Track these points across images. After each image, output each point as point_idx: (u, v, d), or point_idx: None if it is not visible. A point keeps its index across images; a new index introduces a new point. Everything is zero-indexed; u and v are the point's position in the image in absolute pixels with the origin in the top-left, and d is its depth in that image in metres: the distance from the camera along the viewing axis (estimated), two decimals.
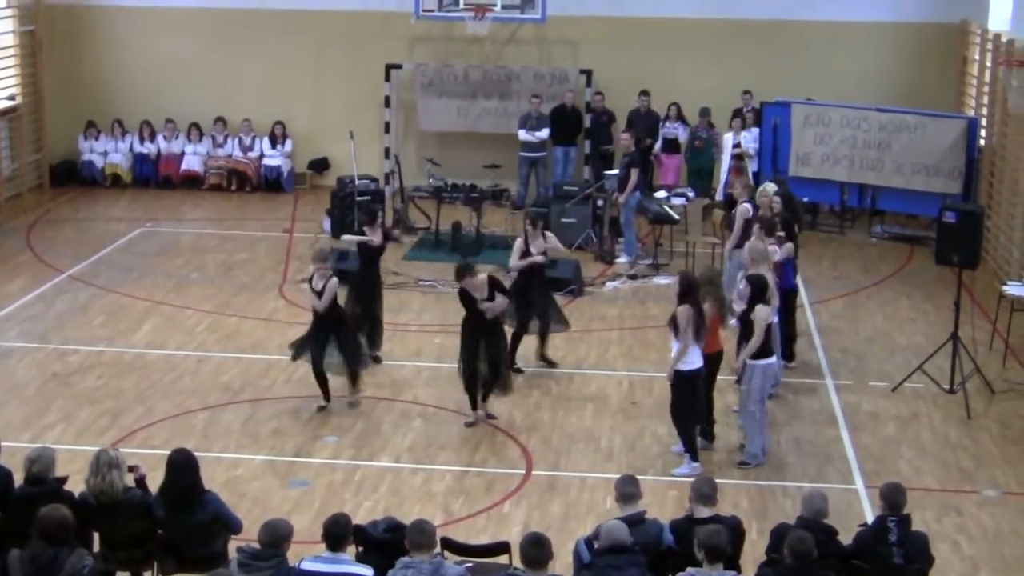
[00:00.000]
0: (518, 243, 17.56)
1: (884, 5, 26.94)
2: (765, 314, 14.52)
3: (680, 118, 26.07)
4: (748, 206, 18.68)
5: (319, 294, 16.03)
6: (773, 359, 14.86)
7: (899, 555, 10.41)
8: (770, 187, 19.00)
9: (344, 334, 16.29)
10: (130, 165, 28.60)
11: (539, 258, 17.46)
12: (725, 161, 24.93)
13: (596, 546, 9.95)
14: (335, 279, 16.15)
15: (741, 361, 14.65)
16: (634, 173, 22.45)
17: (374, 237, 17.76)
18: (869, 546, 10.51)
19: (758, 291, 14.69)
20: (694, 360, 14.39)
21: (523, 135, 26.19)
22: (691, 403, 14.55)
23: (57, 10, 28.33)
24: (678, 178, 26.00)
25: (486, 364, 15.85)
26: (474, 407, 15.99)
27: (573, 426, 15.88)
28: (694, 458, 14.56)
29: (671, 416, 14.70)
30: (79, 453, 13.61)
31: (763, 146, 25.65)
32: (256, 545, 9.73)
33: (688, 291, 14.39)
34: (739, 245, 18.72)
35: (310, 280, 16.20)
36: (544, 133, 26.22)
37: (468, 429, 15.75)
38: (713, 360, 15.03)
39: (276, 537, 9.71)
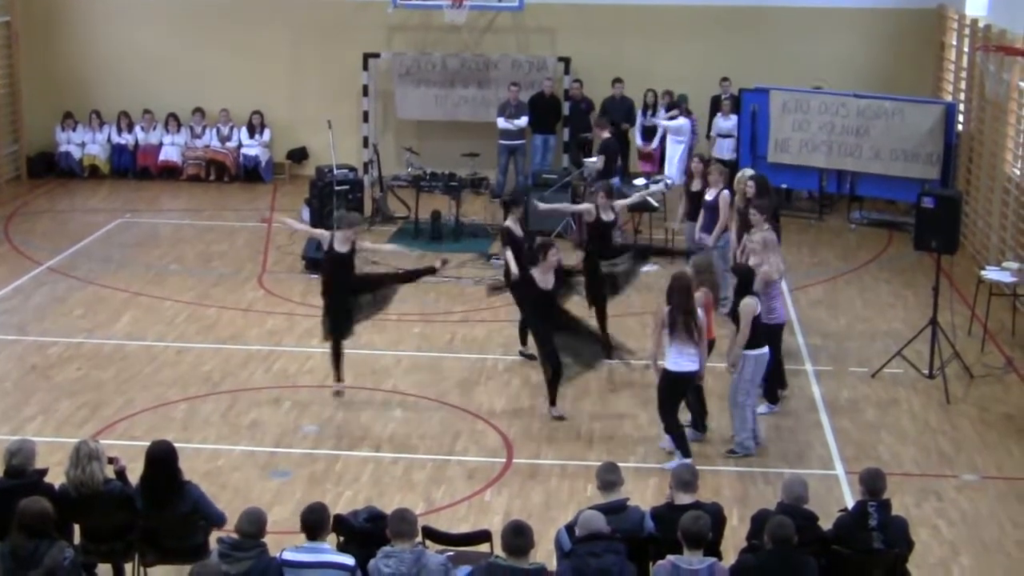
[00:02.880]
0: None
1: None
2: (750, 306, 14.37)
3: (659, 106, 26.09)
4: (728, 192, 18.76)
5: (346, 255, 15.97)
6: (765, 348, 14.71)
7: (879, 540, 10.44)
8: (747, 172, 19.07)
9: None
10: (108, 156, 28.52)
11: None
12: (682, 146, 24.70)
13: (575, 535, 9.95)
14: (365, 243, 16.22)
15: (734, 355, 14.48)
16: (599, 160, 22.50)
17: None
18: (849, 531, 10.54)
19: (745, 282, 14.59)
20: (685, 363, 14.24)
21: (502, 123, 26.17)
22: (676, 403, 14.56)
23: (34, 0, 28.24)
24: (657, 165, 25.98)
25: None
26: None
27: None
28: (686, 454, 14.35)
29: (659, 411, 14.61)
30: (59, 445, 13.60)
31: (742, 133, 25.69)
32: (235, 535, 9.72)
33: (672, 291, 14.29)
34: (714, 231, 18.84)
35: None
36: (523, 121, 26.20)
37: (448, 419, 15.75)
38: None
39: (255, 526, 9.70)
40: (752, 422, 14.82)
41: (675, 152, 24.50)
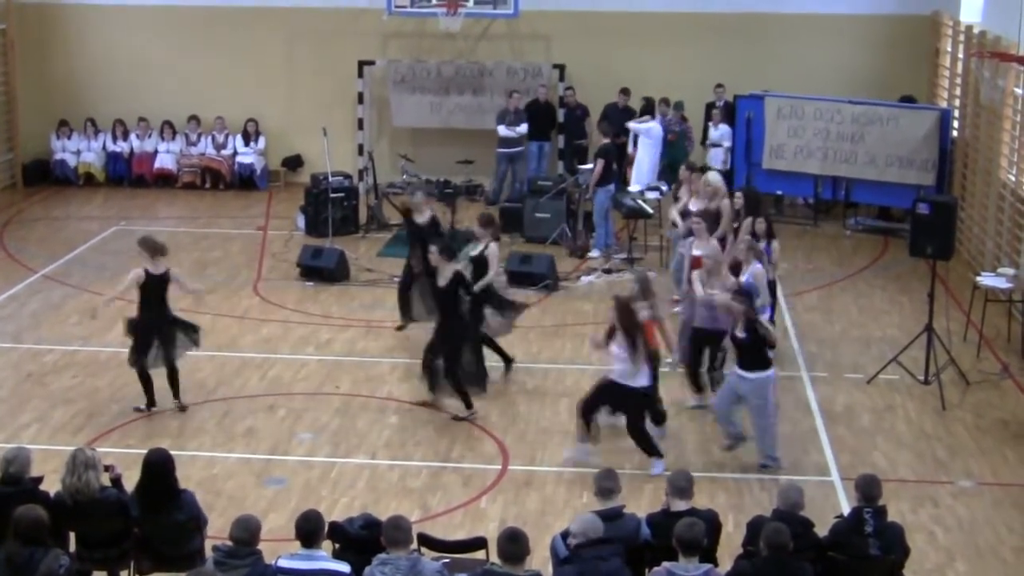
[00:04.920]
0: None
1: None
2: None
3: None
4: (727, 202, 18.79)
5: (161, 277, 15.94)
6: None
7: (875, 546, 10.44)
8: (712, 176, 19.25)
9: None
10: (103, 164, 28.51)
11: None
12: (653, 150, 24.57)
13: (574, 540, 9.92)
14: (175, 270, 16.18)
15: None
16: (598, 163, 22.46)
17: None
18: (845, 537, 10.54)
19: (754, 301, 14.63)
20: (640, 379, 14.36)
21: (503, 131, 26.07)
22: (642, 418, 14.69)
23: (28, 9, 28.26)
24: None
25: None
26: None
27: (549, 421, 15.88)
28: (659, 455, 14.58)
29: (630, 431, 14.67)
30: (54, 453, 13.60)
31: (736, 139, 25.70)
32: (230, 543, 9.70)
33: (623, 314, 14.37)
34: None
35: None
36: (523, 128, 26.11)
37: (443, 426, 15.75)
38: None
39: (250, 533, 9.69)
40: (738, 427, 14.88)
41: (645, 156, 24.32)
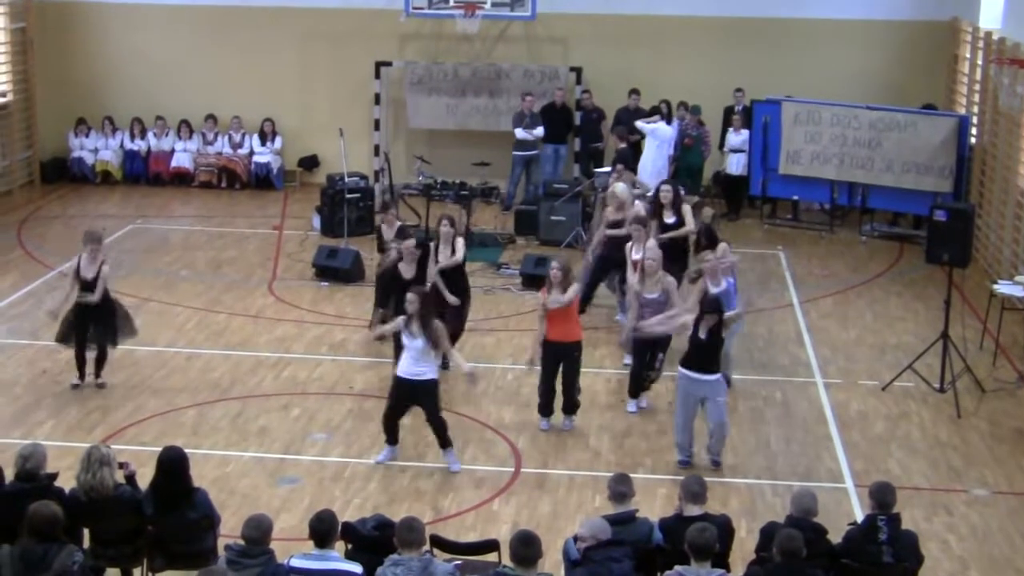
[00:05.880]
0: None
1: (875, 3, 27.01)
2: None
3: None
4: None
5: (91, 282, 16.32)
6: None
7: (889, 554, 10.41)
8: (619, 187, 19.23)
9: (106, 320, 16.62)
10: (120, 162, 28.58)
11: None
12: (659, 152, 24.45)
13: (584, 544, 9.91)
14: (106, 267, 16.52)
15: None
16: (614, 170, 22.46)
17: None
18: (859, 545, 10.51)
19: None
20: (429, 372, 14.43)
21: (520, 133, 26.01)
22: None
23: (48, 7, 28.33)
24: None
25: None
26: None
27: (561, 423, 15.85)
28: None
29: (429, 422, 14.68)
30: (68, 449, 13.62)
31: (753, 144, 25.66)
32: (242, 542, 9.71)
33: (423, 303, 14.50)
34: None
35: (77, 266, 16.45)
36: (540, 131, 26.08)
37: (457, 427, 15.72)
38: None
39: (261, 532, 9.70)
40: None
41: (649, 157, 24.15)
